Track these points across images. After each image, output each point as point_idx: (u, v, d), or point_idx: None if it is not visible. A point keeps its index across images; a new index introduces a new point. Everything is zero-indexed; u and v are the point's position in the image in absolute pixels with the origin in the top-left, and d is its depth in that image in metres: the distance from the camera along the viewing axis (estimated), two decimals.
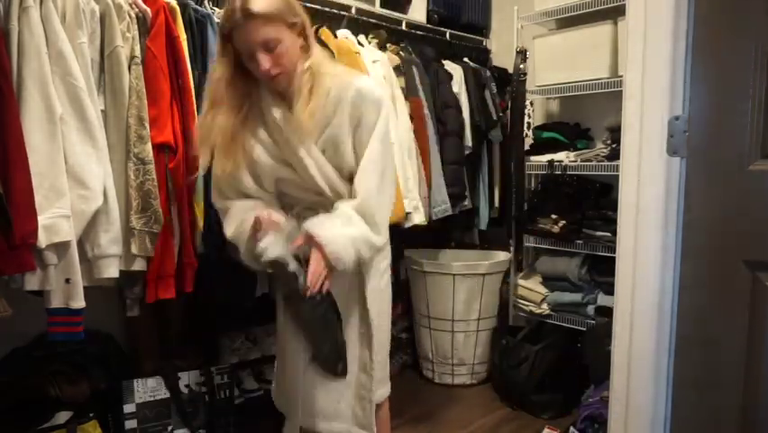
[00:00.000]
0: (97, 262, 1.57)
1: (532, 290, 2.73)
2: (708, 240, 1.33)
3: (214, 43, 1.80)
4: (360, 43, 2.33)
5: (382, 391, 1.67)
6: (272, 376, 1.75)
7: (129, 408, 1.89)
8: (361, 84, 1.45)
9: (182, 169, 1.69)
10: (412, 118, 2.35)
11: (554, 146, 2.69)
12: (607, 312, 2.24)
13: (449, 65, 2.70)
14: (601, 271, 2.51)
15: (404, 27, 2.68)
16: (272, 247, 1.39)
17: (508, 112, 2.88)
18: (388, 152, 1.52)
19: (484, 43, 3.18)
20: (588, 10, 2.47)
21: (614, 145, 2.43)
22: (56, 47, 1.45)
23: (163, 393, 1.95)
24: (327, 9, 2.33)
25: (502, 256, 2.84)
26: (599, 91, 2.47)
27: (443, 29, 2.89)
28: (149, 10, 1.65)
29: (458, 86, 2.69)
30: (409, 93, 2.37)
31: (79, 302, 1.52)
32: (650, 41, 1.38)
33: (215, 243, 1.84)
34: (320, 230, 1.38)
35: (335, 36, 2.23)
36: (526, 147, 2.79)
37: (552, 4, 2.60)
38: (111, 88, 1.61)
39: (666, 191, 1.38)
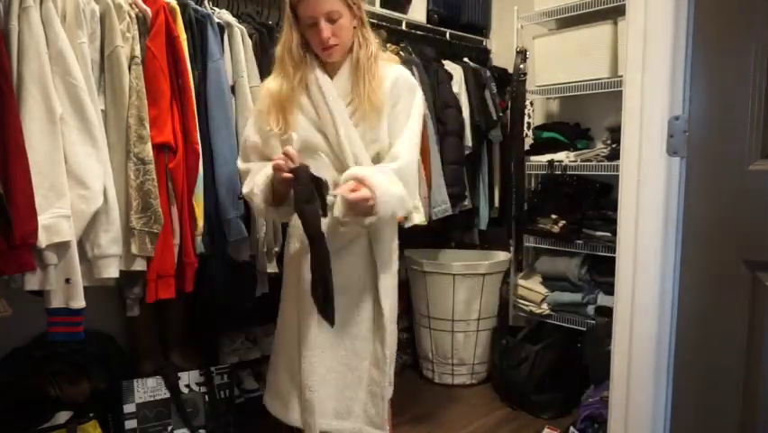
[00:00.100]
0: (97, 262, 1.57)
1: (532, 290, 2.73)
2: (708, 240, 1.33)
3: (214, 43, 1.81)
4: None
5: (390, 389, 1.66)
6: None
7: (129, 408, 1.89)
8: (399, 71, 1.60)
9: (182, 169, 1.69)
10: None
11: (554, 146, 2.69)
12: (607, 312, 2.24)
13: (449, 65, 2.70)
14: (601, 271, 2.51)
15: (404, 27, 2.68)
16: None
17: (508, 112, 2.88)
18: (420, 132, 1.62)
19: (484, 43, 3.18)
20: (588, 10, 2.47)
21: (614, 145, 2.43)
22: (56, 47, 1.45)
23: (163, 393, 1.95)
24: None
25: (502, 256, 2.84)
26: (599, 91, 2.47)
27: (443, 29, 2.89)
28: (149, 10, 1.65)
29: (458, 86, 2.69)
30: None
31: (79, 302, 1.52)
32: (650, 41, 1.38)
33: (216, 243, 1.85)
34: (370, 175, 1.42)
35: None
36: (526, 147, 2.79)
37: (552, 4, 2.60)
38: (111, 88, 1.61)
39: (666, 191, 1.38)
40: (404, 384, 1.69)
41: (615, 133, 2.42)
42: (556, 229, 2.58)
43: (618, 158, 1.51)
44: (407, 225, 2.24)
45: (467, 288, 2.66)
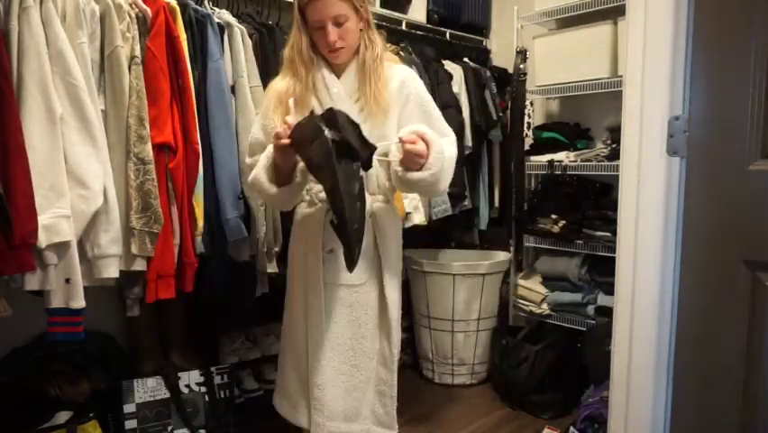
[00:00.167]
0: (97, 262, 1.57)
1: (532, 290, 2.73)
2: (708, 240, 1.33)
3: (214, 43, 1.80)
4: None
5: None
6: (272, 376, 1.74)
7: (129, 408, 1.89)
8: (406, 71, 1.67)
9: (182, 169, 1.69)
10: None
11: (554, 146, 2.69)
12: (607, 312, 2.24)
13: (449, 65, 2.70)
14: (601, 271, 2.51)
15: (404, 27, 2.68)
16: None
17: (508, 112, 2.88)
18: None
19: (484, 43, 3.18)
20: (588, 10, 2.47)
21: (614, 145, 2.43)
22: (56, 47, 1.45)
23: (163, 393, 1.95)
24: None
25: (502, 256, 2.84)
26: (599, 91, 2.47)
27: (443, 29, 2.88)
28: (149, 10, 1.65)
29: (458, 86, 2.69)
30: None
31: (79, 302, 1.52)
32: (650, 41, 1.38)
33: (216, 243, 1.85)
34: (430, 132, 1.47)
35: None
36: (526, 147, 2.79)
37: (552, 4, 2.60)
38: (111, 88, 1.61)
39: (666, 191, 1.38)
40: (404, 384, 1.70)
41: (615, 133, 2.42)
42: (556, 229, 2.58)
43: (618, 158, 1.51)
44: (407, 225, 2.25)
45: (467, 288, 2.66)
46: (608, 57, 2.45)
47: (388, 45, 2.46)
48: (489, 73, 2.88)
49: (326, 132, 1.30)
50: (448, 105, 2.55)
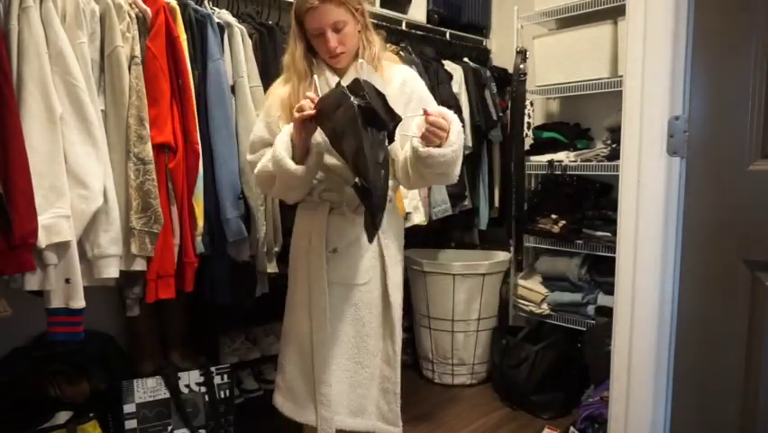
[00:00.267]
0: (97, 262, 1.57)
1: (532, 290, 2.73)
2: (708, 240, 1.33)
3: (214, 43, 1.80)
4: None
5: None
6: (272, 376, 1.74)
7: (129, 408, 1.89)
8: (407, 71, 1.69)
9: (182, 168, 1.69)
10: None
11: (554, 146, 2.69)
12: (607, 312, 2.24)
13: (449, 65, 2.70)
14: (601, 271, 2.51)
15: (404, 27, 2.68)
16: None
17: (508, 112, 2.88)
18: None
19: (484, 43, 3.18)
20: (588, 10, 2.47)
21: (614, 145, 2.43)
22: (56, 47, 1.45)
23: (163, 393, 1.95)
24: None
25: (502, 256, 2.84)
26: (599, 91, 2.47)
27: (443, 29, 2.88)
28: (149, 10, 1.65)
29: (458, 86, 2.69)
30: None
31: (79, 302, 1.52)
32: (650, 41, 1.38)
33: (216, 243, 1.85)
34: (450, 112, 1.47)
35: None
36: (526, 147, 2.79)
37: (552, 4, 2.60)
38: (111, 88, 1.61)
39: (666, 191, 1.38)
40: (404, 384, 1.71)
41: (615, 133, 2.42)
42: (556, 229, 2.58)
43: (618, 158, 1.51)
44: (407, 224, 2.25)
45: (467, 288, 2.66)
46: (608, 57, 2.45)
47: (388, 45, 2.47)
48: (489, 73, 2.88)
49: (352, 98, 1.31)
50: (448, 105, 2.52)
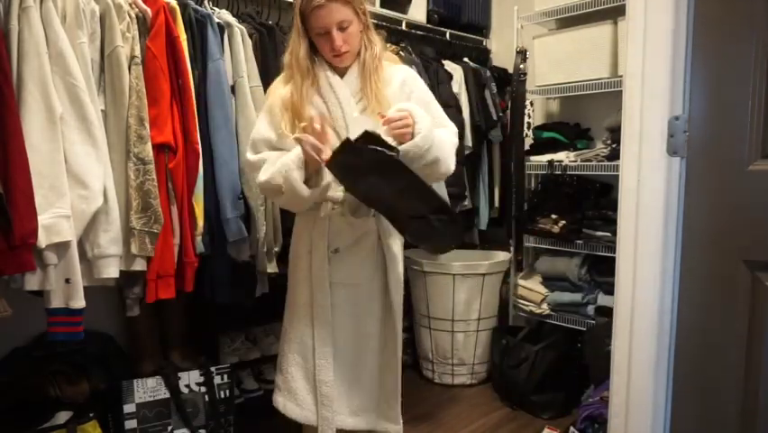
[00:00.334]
0: (97, 261, 1.57)
1: (532, 290, 2.73)
2: (708, 240, 1.33)
3: (214, 43, 1.80)
4: None
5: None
6: (272, 376, 1.75)
7: (129, 408, 1.89)
8: (406, 70, 1.71)
9: (182, 168, 1.69)
10: None
11: (554, 146, 2.69)
12: (607, 312, 2.24)
13: (449, 65, 2.70)
14: (601, 271, 2.51)
15: (404, 27, 2.68)
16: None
17: (508, 112, 2.88)
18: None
19: (484, 43, 3.18)
20: (588, 10, 2.47)
21: (614, 145, 2.43)
22: (56, 47, 1.45)
23: (163, 393, 1.95)
24: None
25: (502, 256, 2.84)
26: (599, 91, 2.47)
27: (443, 29, 2.88)
28: (149, 10, 1.65)
29: (458, 86, 2.69)
30: None
31: (79, 302, 1.52)
32: (650, 41, 1.38)
33: (216, 242, 1.85)
34: (415, 107, 1.51)
35: None
36: (526, 147, 2.79)
37: (552, 4, 2.60)
38: (111, 88, 1.61)
39: (666, 191, 1.38)
40: (404, 384, 1.71)
41: (615, 133, 2.42)
42: (556, 229, 2.58)
43: (618, 158, 1.51)
44: None
45: (467, 288, 2.66)
46: (608, 57, 2.45)
47: (388, 45, 2.47)
48: (489, 73, 2.88)
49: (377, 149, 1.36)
50: (448, 106, 2.55)
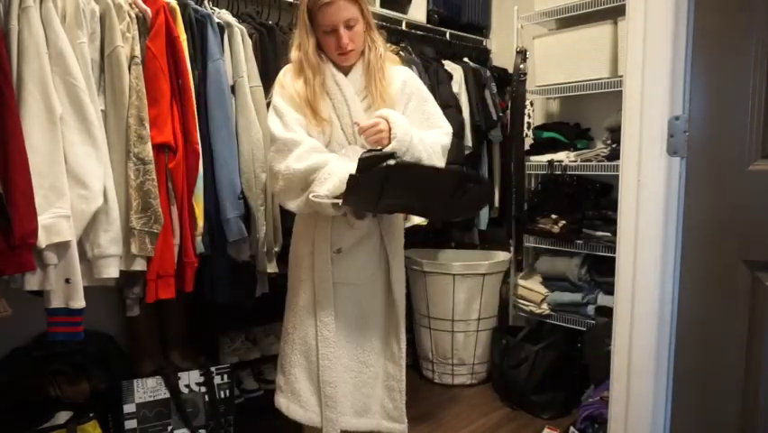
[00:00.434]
0: (97, 262, 1.57)
1: (532, 290, 2.73)
2: (708, 240, 1.33)
3: (214, 43, 1.80)
4: None
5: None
6: (272, 376, 1.74)
7: (129, 408, 1.89)
8: (406, 71, 1.72)
9: (182, 168, 1.69)
10: None
11: (554, 146, 2.69)
12: (607, 312, 2.24)
13: (449, 65, 2.70)
14: (601, 271, 2.51)
15: (404, 27, 2.68)
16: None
17: (508, 112, 2.88)
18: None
19: (484, 43, 3.18)
20: (588, 10, 2.47)
21: (614, 145, 2.43)
22: (56, 47, 1.45)
23: (163, 393, 1.95)
24: None
25: (502, 256, 2.84)
26: (599, 91, 2.47)
27: (443, 29, 2.89)
28: (149, 10, 1.65)
29: (458, 86, 2.69)
30: None
31: (79, 302, 1.52)
32: (650, 41, 1.38)
33: (216, 243, 1.85)
34: (393, 113, 1.53)
35: None
36: (526, 147, 2.79)
37: (552, 4, 2.60)
38: (111, 88, 1.61)
39: (666, 191, 1.38)
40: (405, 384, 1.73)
41: (615, 133, 2.42)
42: (556, 229, 2.58)
43: (618, 158, 1.51)
44: (408, 224, 2.25)
45: (467, 288, 2.66)
46: (608, 57, 2.45)
47: (389, 45, 2.47)
48: (489, 73, 2.88)
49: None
50: (448, 105, 2.55)
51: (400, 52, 2.47)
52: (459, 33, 2.98)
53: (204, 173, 1.76)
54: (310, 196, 1.47)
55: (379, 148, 1.47)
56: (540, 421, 2.36)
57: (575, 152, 2.61)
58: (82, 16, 1.52)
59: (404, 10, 2.73)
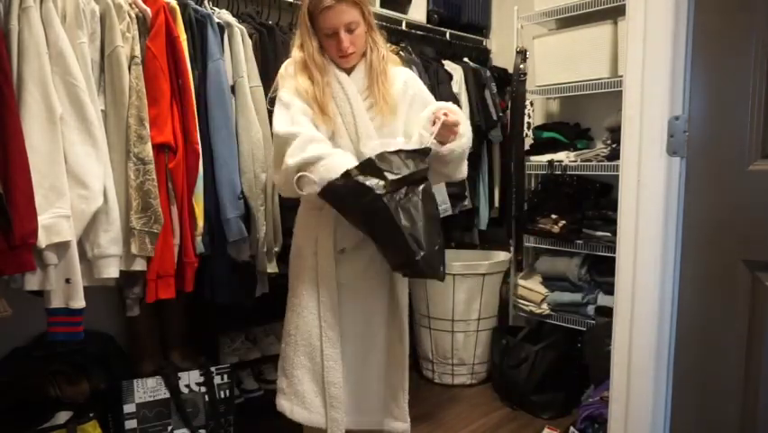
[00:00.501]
0: (97, 262, 1.57)
1: (532, 290, 2.73)
2: (708, 240, 1.33)
3: (214, 43, 1.80)
4: None
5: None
6: (272, 376, 1.74)
7: (129, 408, 1.89)
8: (407, 72, 1.74)
9: (182, 168, 1.69)
10: None
11: (554, 146, 2.70)
12: (607, 312, 2.24)
13: (449, 65, 2.70)
14: (601, 271, 2.51)
15: (404, 27, 2.68)
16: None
17: (508, 112, 2.88)
18: None
19: (484, 43, 3.18)
20: (588, 10, 2.47)
21: (614, 145, 2.43)
22: (56, 47, 1.45)
23: (163, 393, 1.95)
24: None
25: (502, 256, 2.84)
26: (599, 91, 2.47)
27: (443, 29, 2.89)
28: (149, 10, 1.65)
29: (458, 86, 2.69)
30: None
31: (79, 302, 1.52)
32: (650, 42, 1.38)
33: (216, 243, 1.85)
34: (454, 107, 1.57)
35: None
36: (526, 147, 2.79)
37: (552, 4, 2.60)
38: (111, 88, 1.61)
39: (666, 191, 1.38)
40: None
41: (615, 133, 2.42)
42: (556, 229, 2.58)
43: (618, 158, 1.51)
44: None
45: (467, 288, 2.66)
46: (608, 57, 2.45)
47: (389, 45, 2.47)
48: (489, 73, 2.88)
49: (373, 186, 1.39)
50: None
51: (400, 52, 2.47)
52: (459, 33, 2.98)
53: (204, 173, 1.76)
54: (303, 172, 1.45)
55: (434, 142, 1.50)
56: (540, 421, 2.36)
57: (575, 152, 2.61)
58: (82, 16, 1.52)
59: (404, 10, 2.73)
